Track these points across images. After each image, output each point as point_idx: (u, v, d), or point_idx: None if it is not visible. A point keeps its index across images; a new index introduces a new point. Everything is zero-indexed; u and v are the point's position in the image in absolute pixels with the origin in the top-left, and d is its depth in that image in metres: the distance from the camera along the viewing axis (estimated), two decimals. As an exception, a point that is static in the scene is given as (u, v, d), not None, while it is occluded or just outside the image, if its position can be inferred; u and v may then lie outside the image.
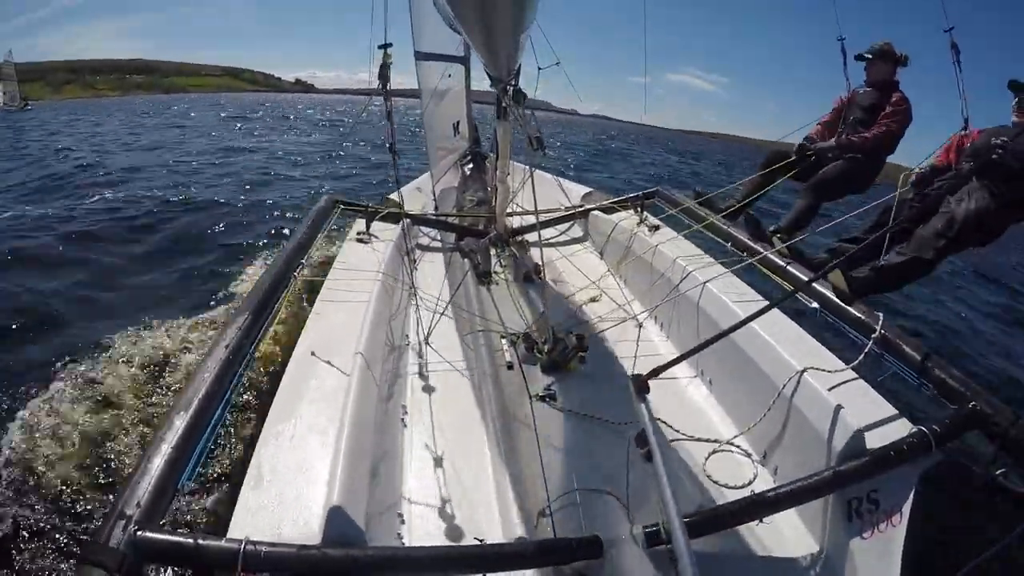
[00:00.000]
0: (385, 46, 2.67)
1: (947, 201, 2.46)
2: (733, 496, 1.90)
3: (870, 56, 3.16)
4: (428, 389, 2.36)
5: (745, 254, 3.09)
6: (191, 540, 1.20)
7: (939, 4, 2.54)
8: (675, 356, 1.77)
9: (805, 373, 2.02)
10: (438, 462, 1.97)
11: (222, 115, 35.82)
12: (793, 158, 3.40)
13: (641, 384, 1.47)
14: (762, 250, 3.00)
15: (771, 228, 3.26)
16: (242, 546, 1.16)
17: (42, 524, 2.29)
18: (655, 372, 1.57)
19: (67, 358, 3.51)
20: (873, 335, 2.29)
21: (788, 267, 2.85)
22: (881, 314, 2.38)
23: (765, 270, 2.92)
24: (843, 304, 2.49)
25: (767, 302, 2.28)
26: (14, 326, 4.07)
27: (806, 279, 2.56)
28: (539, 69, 3.31)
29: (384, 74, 2.74)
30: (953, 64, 2.57)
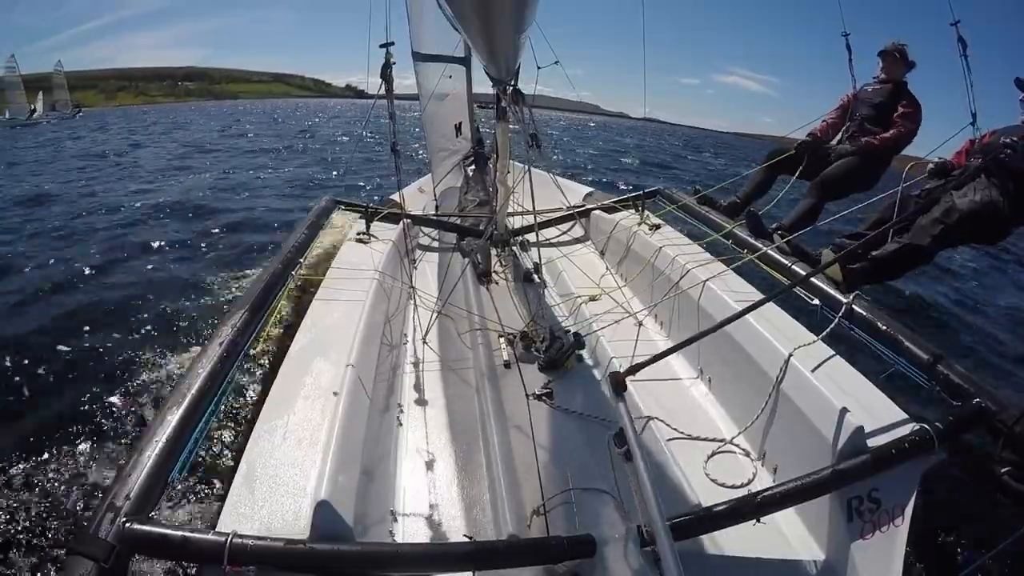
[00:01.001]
0: (387, 45, 2.68)
1: (950, 195, 2.44)
2: (731, 495, 1.87)
3: (886, 53, 3.16)
4: (425, 388, 2.35)
5: (746, 251, 3.06)
6: (179, 533, 1.20)
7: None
8: (676, 354, 1.74)
9: (806, 371, 1.99)
10: (433, 460, 1.96)
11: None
12: (793, 152, 3.39)
13: (619, 382, 1.43)
14: (763, 247, 2.98)
15: (774, 226, 3.24)
16: (228, 539, 1.16)
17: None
18: (633, 370, 1.54)
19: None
20: (876, 332, 2.26)
21: (788, 263, 2.83)
22: (884, 310, 2.34)
23: (765, 266, 2.90)
24: (844, 299, 2.46)
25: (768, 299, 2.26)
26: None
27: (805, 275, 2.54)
28: (538, 68, 3.31)
29: (386, 74, 2.74)
30: (960, 58, 2.56)
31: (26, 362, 3.60)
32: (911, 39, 3.33)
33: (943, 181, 2.60)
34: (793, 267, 2.78)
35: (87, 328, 4.10)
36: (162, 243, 6.72)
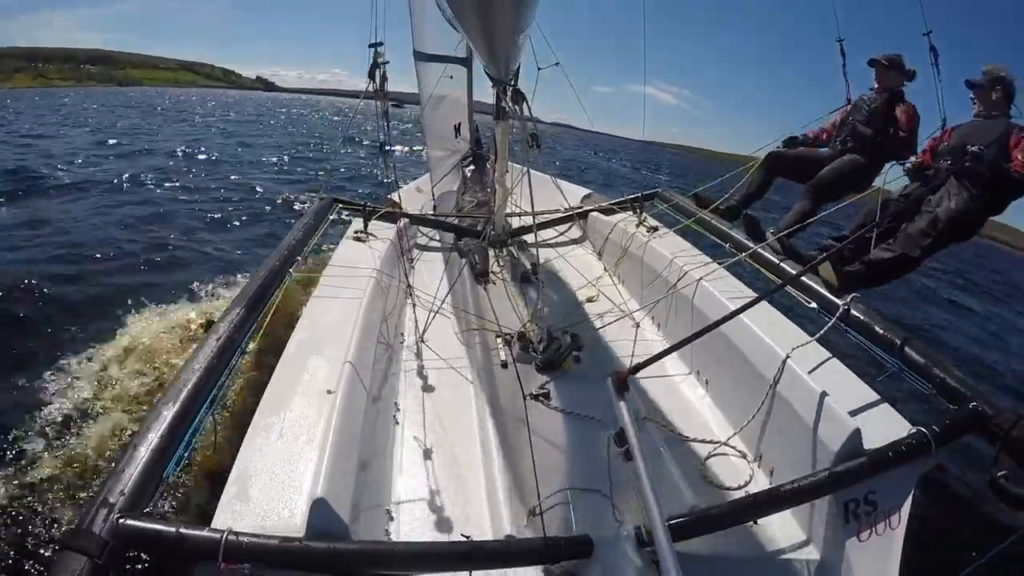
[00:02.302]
0: (376, 45, 2.67)
1: (928, 201, 2.55)
2: (728, 497, 1.87)
3: (887, 63, 3.19)
4: (422, 387, 2.34)
5: (742, 253, 3.08)
6: (173, 529, 1.19)
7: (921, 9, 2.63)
8: (671, 356, 1.74)
9: (803, 373, 1.99)
10: (430, 459, 1.95)
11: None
12: (782, 149, 3.43)
13: (620, 382, 1.43)
14: (758, 248, 3.01)
15: (770, 229, 3.25)
16: (224, 536, 1.15)
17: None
18: (635, 369, 1.53)
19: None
20: (873, 335, 2.27)
21: (781, 264, 2.88)
22: (879, 313, 2.36)
23: (759, 267, 2.93)
24: (839, 302, 2.48)
25: (764, 300, 2.27)
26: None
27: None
28: (539, 69, 3.32)
29: (374, 73, 2.73)
30: (931, 66, 2.69)
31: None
32: (891, 47, 3.40)
33: (919, 183, 2.71)
34: (788, 268, 2.82)
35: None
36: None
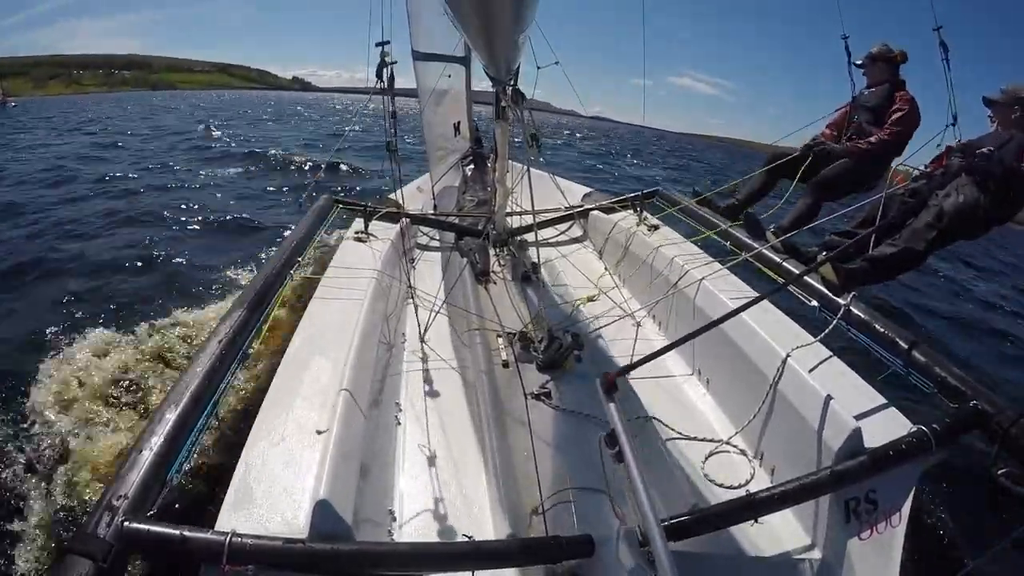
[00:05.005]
0: (383, 44, 2.66)
1: (935, 195, 2.51)
2: (729, 496, 1.88)
3: (864, 62, 3.19)
4: (423, 387, 2.35)
5: (743, 252, 3.08)
6: (177, 532, 1.20)
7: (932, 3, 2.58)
8: (672, 355, 1.74)
9: (803, 372, 2.00)
10: (432, 460, 1.95)
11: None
12: (797, 154, 3.40)
13: (609, 383, 1.43)
14: (759, 247, 3.00)
15: (772, 228, 3.25)
16: (228, 539, 1.16)
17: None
18: (625, 370, 1.54)
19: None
20: (874, 333, 2.27)
21: (783, 263, 2.87)
22: (881, 312, 2.36)
23: (760, 266, 2.92)
24: (840, 301, 2.47)
25: (765, 300, 2.27)
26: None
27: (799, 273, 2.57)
28: (538, 68, 3.31)
29: (381, 72, 2.72)
30: (942, 62, 2.63)
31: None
32: (898, 42, 3.35)
33: (926, 180, 2.68)
34: (788, 267, 2.81)
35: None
36: None
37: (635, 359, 1.62)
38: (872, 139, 3.11)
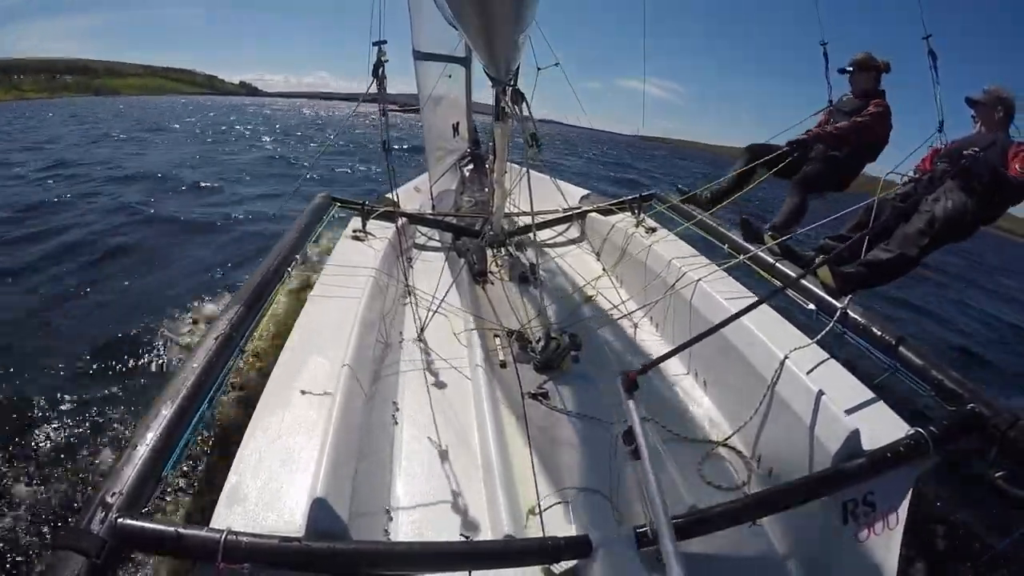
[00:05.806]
0: (379, 43, 2.65)
1: (925, 200, 2.57)
2: (727, 497, 1.87)
3: (851, 69, 3.25)
4: (421, 387, 2.33)
5: (740, 255, 3.10)
6: (172, 529, 1.18)
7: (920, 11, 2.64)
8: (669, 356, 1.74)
9: (801, 374, 2.00)
10: (428, 459, 1.94)
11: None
12: (782, 151, 3.48)
13: (630, 381, 1.44)
14: (755, 250, 3.03)
15: (766, 226, 3.28)
16: (223, 536, 1.14)
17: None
18: (644, 369, 1.54)
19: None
20: (871, 336, 2.28)
21: (778, 265, 2.91)
22: (878, 314, 2.37)
23: (757, 268, 2.95)
24: (837, 304, 2.48)
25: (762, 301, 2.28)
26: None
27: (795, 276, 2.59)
28: (538, 69, 3.32)
29: (378, 70, 2.72)
30: (930, 70, 2.70)
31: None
32: (884, 49, 3.42)
33: (914, 184, 2.74)
34: (786, 270, 2.83)
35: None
36: None
37: (634, 359, 1.62)
38: (840, 124, 3.22)
